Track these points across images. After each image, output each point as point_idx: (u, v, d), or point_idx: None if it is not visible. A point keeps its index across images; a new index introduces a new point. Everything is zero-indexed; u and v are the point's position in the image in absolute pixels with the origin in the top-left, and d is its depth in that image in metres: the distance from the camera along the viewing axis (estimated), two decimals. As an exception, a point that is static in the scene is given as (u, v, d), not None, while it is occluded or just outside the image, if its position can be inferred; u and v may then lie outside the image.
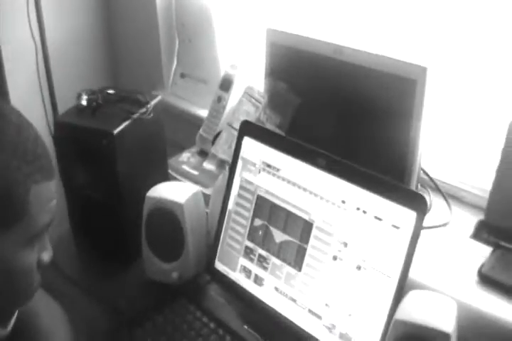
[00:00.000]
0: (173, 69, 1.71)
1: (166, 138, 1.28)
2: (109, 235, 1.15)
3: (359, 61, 1.02)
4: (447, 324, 0.78)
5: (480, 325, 0.91)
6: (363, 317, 0.89)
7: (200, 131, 1.38)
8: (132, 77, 1.83)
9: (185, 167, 1.35)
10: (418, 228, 0.84)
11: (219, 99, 1.35)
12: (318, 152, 0.95)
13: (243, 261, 1.06)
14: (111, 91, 1.18)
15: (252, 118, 1.16)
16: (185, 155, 1.39)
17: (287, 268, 0.99)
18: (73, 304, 1.04)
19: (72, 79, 1.70)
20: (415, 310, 0.81)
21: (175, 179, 1.33)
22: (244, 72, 1.34)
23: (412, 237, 0.84)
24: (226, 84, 1.35)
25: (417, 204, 0.84)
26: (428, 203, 1.00)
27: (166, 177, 1.27)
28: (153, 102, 1.18)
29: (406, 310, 0.81)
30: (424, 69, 0.95)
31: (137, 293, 1.11)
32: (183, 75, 1.69)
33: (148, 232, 1.09)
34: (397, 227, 0.86)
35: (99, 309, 1.07)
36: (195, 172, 1.33)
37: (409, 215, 0.84)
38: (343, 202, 0.92)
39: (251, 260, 1.04)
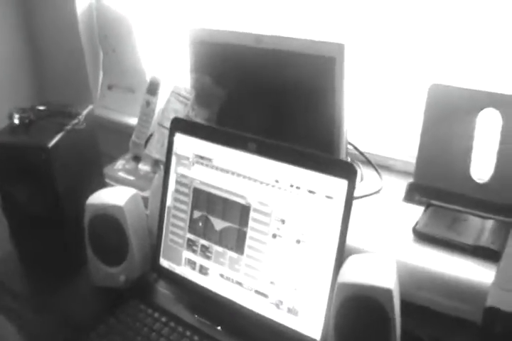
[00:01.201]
0: (100, 81, 1.72)
1: (99, 147, 1.29)
2: (54, 248, 1.15)
3: (279, 46, 1.06)
4: (387, 280, 0.81)
5: (421, 279, 0.94)
6: (308, 289, 0.91)
7: (133, 137, 1.39)
8: (59, 93, 1.82)
9: (121, 174, 1.36)
10: (350, 195, 0.87)
11: (147, 104, 1.36)
12: (247, 137, 0.98)
13: (187, 254, 1.06)
14: (42, 108, 1.20)
15: (181, 116, 1.18)
16: (119, 163, 1.39)
17: (230, 254, 1.00)
18: (24, 321, 1.04)
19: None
20: (355, 272, 0.83)
21: (112, 187, 1.32)
22: (170, 74, 1.36)
23: (345, 204, 0.87)
24: (153, 88, 1.37)
25: (347, 172, 0.87)
26: (359, 173, 1.04)
27: (103, 186, 1.27)
28: (84, 112, 1.21)
29: (347, 274, 0.84)
30: (341, 46, 0.99)
31: (87, 301, 1.09)
32: (110, 87, 1.69)
33: (92, 239, 1.09)
34: (331, 197, 0.88)
35: (52, 322, 1.05)
36: (132, 178, 1.34)
37: (340, 184, 0.87)
38: (277, 181, 0.94)
39: (194, 251, 1.05)
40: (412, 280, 0.93)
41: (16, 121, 1.14)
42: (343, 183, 0.87)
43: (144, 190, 1.28)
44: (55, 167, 1.10)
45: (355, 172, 0.87)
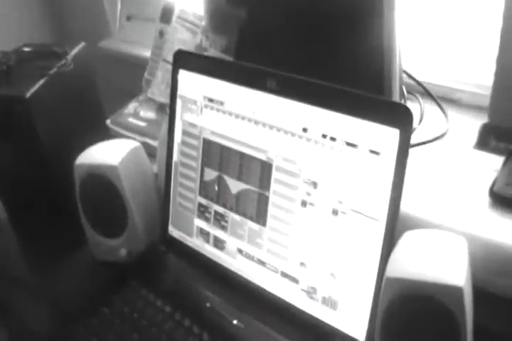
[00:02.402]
0: (118, 12, 1.49)
1: (98, 91, 1.08)
2: (50, 217, 0.97)
3: None
4: (457, 273, 0.57)
5: (499, 260, 0.69)
6: (349, 275, 0.68)
7: (145, 74, 1.14)
8: (77, 29, 1.62)
9: (131, 120, 1.13)
10: (404, 150, 0.62)
11: (161, 34, 1.11)
12: (265, 72, 0.74)
13: (199, 222, 0.85)
14: (27, 49, 1.00)
15: (190, 48, 0.94)
16: (131, 106, 1.16)
17: (249, 224, 0.78)
18: (18, 307, 0.88)
19: (9, 40, 1.48)
20: (411, 260, 0.60)
21: (121, 136, 1.11)
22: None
23: (397, 163, 0.63)
24: (166, 16, 1.11)
25: (400, 117, 0.62)
26: (420, 112, 0.79)
27: (106, 136, 1.07)
28: (73, 52, 0.99)
29: (399, 263, 0.60)
30: None
31: (85, 281, 0.91)
32: (129, 17, 1.47)
33: (85, 206, 0.90)
34: (377, 153, 0.64)
35: (40, 312, 0.88)
36: (143, 124, 1.11)
37: (390, 134, 0.63)
38: (305, 130, 0.70)
39: (207, 220, 0.84)
40: (488, 261, 0.69)
41: None
42: (393, 133, 0.63)
43: (156, 138, 1.07)
44: (38, 120, 0.90)
45: (410, 118, 0.62)
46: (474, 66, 0.99)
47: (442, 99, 0.98)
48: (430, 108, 0.95)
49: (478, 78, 0.97)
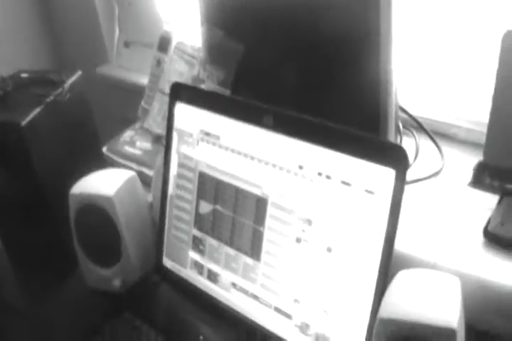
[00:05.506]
0: (116, 38, 1.50)
1: (94, 120, 1.08)
2: (44, 244, 0.96)
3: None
4: (449, 315, 0.58)
5: (494, 300, 0.70)
6: (342, 312, 0.69)
7: (142, 102, 1.15)
8: (75, 54, 1.62)
9: (127, 148, 1.13)
10: (399, 190, 0.63)
11: (158, 63, 1.12)
12: (262, 108, 0.75)
13: (193, 255, 0.85)
14: (24, 75, 1.01)
15: (187, 79, 0.95)
16: (127, 134, 1.16)
17: (243, 259, 0.78)
18: (10, 333, 0.89)
19: (6, 65, 1.49)
20: (404, 301, 0.60)
21: (117, 164, 1.11)
22: (183, 27, 1.11)
23: (392, 203, 0.64)
24: (164, 45, 1.12)
25: (395, 158, 0.63)
26: (415, 148, 0.80)
27: (102, 163, 1.07)
28: (69, 81, 1.00)
29: (393, 303, 0.61)
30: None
31: (77, 309, 0.91)
32: (127, 44, 1.48)
33: (80, 236, 0.90)
34: (372, 192, 0.65)
35: (37, 336, 0.88)
36: (139, 152, 1.11)
37: (385, 174, 0.64)
38: (301, 167, 0.71)
39: (201, 252, 0.84)
40: (481, 301, 0.70)
41: None
42: (389, 173, 0.63)
43: (153, 168, 1.07)
44: (33, 147, 0.90)
45: (406, 159, 0.63)
46: (471, 102, 1.00)
47: (438, 134, 0.98)
48: (426, 143, 0.96)
49: (475, 114, 0.98)
